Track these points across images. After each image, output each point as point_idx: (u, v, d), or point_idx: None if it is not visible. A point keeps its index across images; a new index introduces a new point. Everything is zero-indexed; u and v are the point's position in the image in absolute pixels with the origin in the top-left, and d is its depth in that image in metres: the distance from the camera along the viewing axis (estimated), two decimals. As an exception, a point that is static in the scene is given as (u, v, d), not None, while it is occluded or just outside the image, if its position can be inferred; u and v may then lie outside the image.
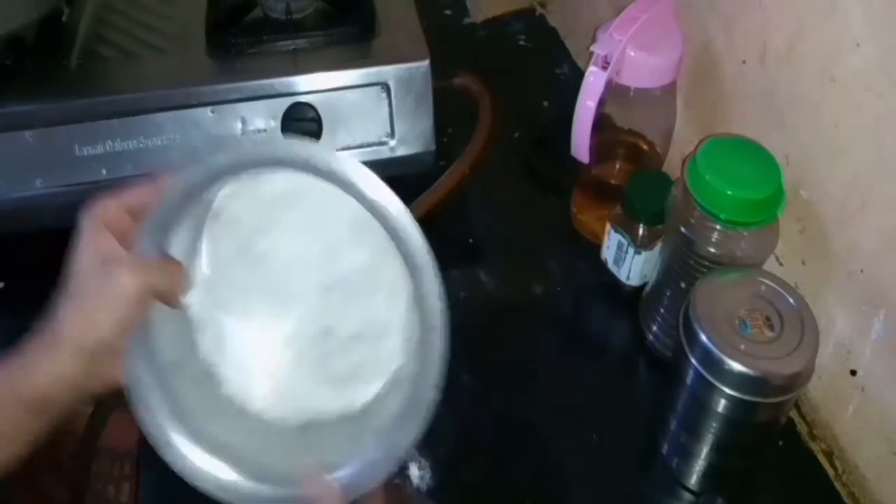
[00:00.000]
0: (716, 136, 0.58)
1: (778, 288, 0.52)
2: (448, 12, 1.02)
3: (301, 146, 0.42)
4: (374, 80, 0.67)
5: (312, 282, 0.50)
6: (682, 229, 0.57)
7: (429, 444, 0.57)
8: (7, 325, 0.68)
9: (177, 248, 0.46)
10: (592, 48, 0.62)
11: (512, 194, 0.81)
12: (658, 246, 0.65)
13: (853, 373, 0.57)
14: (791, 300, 0.51)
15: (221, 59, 0.69)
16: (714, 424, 0.53)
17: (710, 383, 0.50)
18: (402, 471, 0.57)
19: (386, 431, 0.46)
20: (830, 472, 0.60)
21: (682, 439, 0.57)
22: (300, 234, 0.49)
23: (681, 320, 0.52)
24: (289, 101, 0.66)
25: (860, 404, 0.57)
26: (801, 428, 0.62)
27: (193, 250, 0.48)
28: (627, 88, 0.65)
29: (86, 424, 0.62)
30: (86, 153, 0.65)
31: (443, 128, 0.71)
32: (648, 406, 0.62)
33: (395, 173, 0.69)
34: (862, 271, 0.54)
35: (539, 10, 1.01)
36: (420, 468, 0.58)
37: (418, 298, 0.43)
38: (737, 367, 0.48)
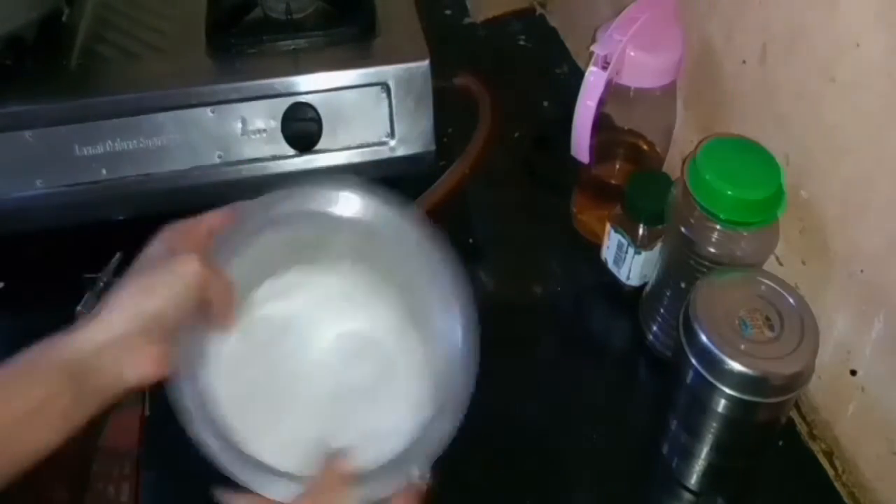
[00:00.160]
0: (716, 136, 0.58)
1: (778, 288, 0.52)
2: (448, 12, 1.02)
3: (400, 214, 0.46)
4: (374, 80, 0.67)
5: (322, 390, 0.50)
6: (682, 229, 0.57)
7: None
8: (7, 325, 0.68)
9: (236, 274, 0.47)
10: (592, 48, 0.62)
11: (512, 194, 0.81)
12: (658, 246, 0.65)
13: (853, 373, 0.57)
14: (791, 300, 0.51)
15: (221, 59, 0.69)
16: (714, 424, 0.53)
17: (710, 383, 0.50)
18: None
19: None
20: (830, 472, 0.60)
21: (682, 439, 0.57)
22: (319, 343, 0.51)
23: (681, 320, 0.52)
24: (289, 101, 0.66)
25: (860, 404, 0.57)
26: (801, 428, 0.62)
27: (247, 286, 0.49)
28: (627, 88, 0.65)
29: (86, 424, 0.62)
30: (86, 153, 0.65)
31: (443, 128, 0.71)
32: (648, 406, 0.62)
33: (395, 173, 0.70)
34: (862, 271, 0.54)
35: (539, 10, 1.01)
36: (419, 468, 0.58)
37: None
38: (737, 367, 0.48)
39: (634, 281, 0.68)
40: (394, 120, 0.69)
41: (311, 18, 0.73)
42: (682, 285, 0.60)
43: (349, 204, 0.50)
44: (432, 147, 0.71)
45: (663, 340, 0.65)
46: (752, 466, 0.58)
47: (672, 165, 0.73)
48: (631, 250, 0.66)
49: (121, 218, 0.68)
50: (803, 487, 0.60)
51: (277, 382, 0.50)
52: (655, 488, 0.60)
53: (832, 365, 0.58)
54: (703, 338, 0.49)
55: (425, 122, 0.70)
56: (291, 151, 0.68)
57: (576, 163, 0.67)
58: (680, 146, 0.72)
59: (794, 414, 0.62)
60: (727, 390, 0.50)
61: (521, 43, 0.98)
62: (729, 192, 0.54)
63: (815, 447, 0.61)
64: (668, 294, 0.63)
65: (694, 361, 0.51)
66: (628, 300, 0.69)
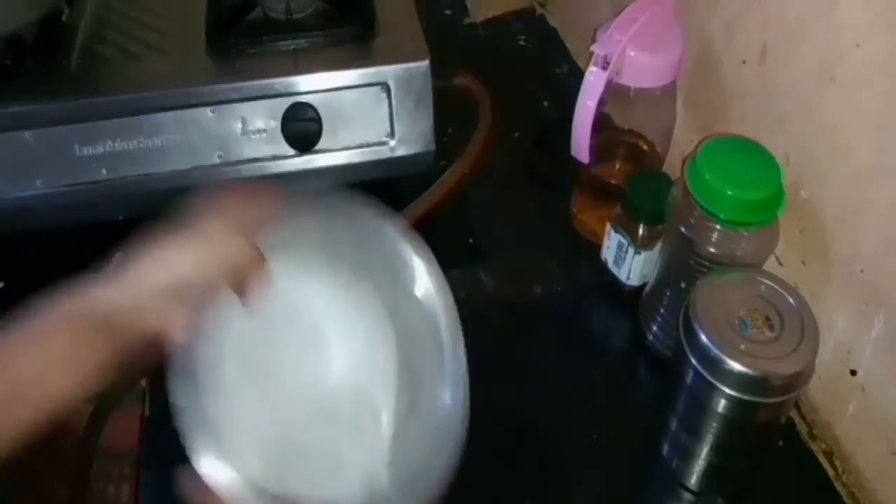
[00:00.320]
0: (716, 136, 0.58)
1: (778, 288, 0.52)
2: (448, 12, 1.02)
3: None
4: (374, 80, 0.67)
5: (309, 394, 0.50)
6: (682, 229, 0.57)
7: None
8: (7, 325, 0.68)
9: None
10: (592, 48, 0.62)
11: (512, 194, 0.81)
12: (658, 246, 0.65)
13: (853, 373, 0.57)
14: (791, 300, 0.51)
15: (221, 59, 0.69)
16: (714, 424, 0.53)
17: (710, 383, 0.50)
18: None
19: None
20: (830, 472, 0.60)
21: (682, 439, 0.57)
22: (334, 353, 0.51)
23: (681, 320, 0.52)
24: (289, 101, 0.66)
25: (860, 404, 0.57)
26: (801, 428, 0.62)
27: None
28: (627, 88, 0.65)
29: (86, 424, 0.62)
30: (86, 153, 0.65)
31: (443, 128, 0.71)
32: (648, 406, 0.62)
33: (395, 173, 0.70)
34: (862, 271, 0.54)
35: (539, 10, 1.01)
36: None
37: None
38: (737, 367, 0.48)
39: (634, 281, 0.68)
40: (394, 120, 0.69)
41: (311, 18, 0.73)
42: (682, 285, 0.60)
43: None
44: (432, 147, 0.71)
45: (663, 340, 0.65)
46: (752, 466, 0.58)
47: (672, 165, 0.73)
48: (631, 250, 0.66)
49: (121, 218, 0.68)
50: (803, 487, 0.60)
51: (267, 370, 0.50)
52: (655, 488, 0.60)
53: (832, 365, 0.58)
54: (703, 338, 0.49)
55: (425, 122, 0.70)
56: (291, 151, 0.68)
57: (576, 163, 0.67)
58: (680, 146, 0.72)
59: (794, 414, 0.62)
60: (727, 390, 0.50)
61: (521, 43, 0.98)
62: (729, 192, 0.54)
63: (815, 447, 0.61)
64: (668, 294, 0.63)
65: (694, 361, 0.51)
66: (628, 300, 0.69)
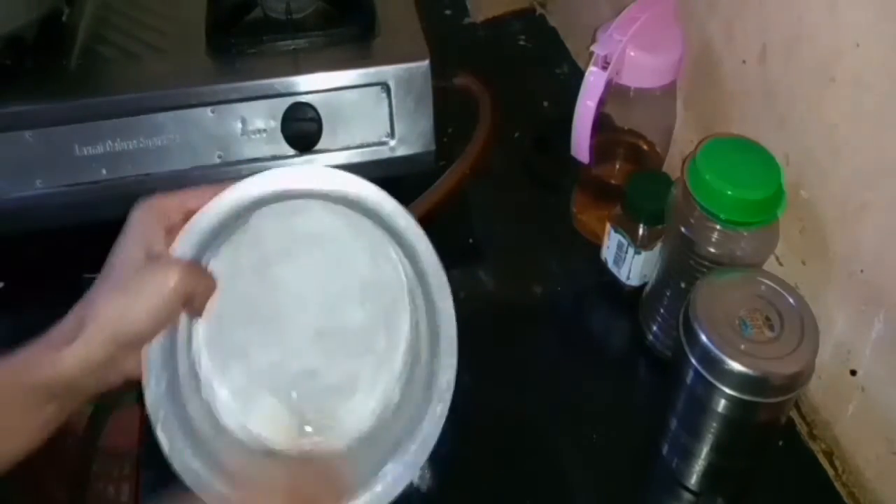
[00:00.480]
0: (716, 136, 0.58)
1: (778, 288, 0.52)
2: (448, 12, 1.02)
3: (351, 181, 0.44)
4: (374, 80, 0.67)
5: (310, 323, 0.51)
6: (682, 229, 0.57)
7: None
8: (7, 325, 0.68)
9: (206, 258, 0.47)
10: (592, 48, 0.62)
11: (512, 194, 0.81)
12: (658, 246, 0.65)
13: (853, 373, 0.57)
14: (791, 300, 0.51)
15: (221, 59, 0.69)
16: (714, 424, 0.53)
17: (710, 383, 0.50)
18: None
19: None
20: (830, 472, 0.60)
21: (682, 439, 0.57)
22: (314, 275, 0.51)
23: (681, 320, 0.52)
24: (289, 101, 0.66)
25: (860, 404, 0.57)
26: (801, 428, 0.62)
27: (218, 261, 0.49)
28: (627, 88, 0.65)
29: (86, 424, 0.62)
30: (86, 153, 0.65)
31: (443, 128, 0.71)
32: (648, 406, 0.62)
33: (394, 173, 0.70)
34: (862, 271, 0.54)
35: (539, 10, 1.01)
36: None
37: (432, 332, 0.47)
38: (737, 367, 0.48)
39: (634, 281, 0.68)
40: (394, 120, 0.69)
41: (311, 18, 0.73)
42: (682, 285, 0.60)
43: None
44: (432, 147, 0.71)
45: (663, 340, 0.65)
46: (752, 466, 0.58)
47: (672, 165, 0.73)
48: (631, 250, 0.66)
49: (121, 218, 0.68)
50: (803, 487, 0.60)
51: (266, 307, 0.50)
52: (655, 488, 0.60)
53: (832, 365, 0.58)
54: (703, 338, 0.49)
55: (425, 122, 0.70)
56: (291, 151, 0.68)
57: (576, 163, 0.67)
58: (680, 146, 0.72)
59: (794, 414, 0.62)
60: (727, 390, 0.50)
61: (521, 43, 0.98)
62: (729, 192, 0.54)
63: (815, 447, 0.61)
64: (668, 294, 0.63)
65: (694, 361, 0.51)
66: (628, 300, 0.69)
